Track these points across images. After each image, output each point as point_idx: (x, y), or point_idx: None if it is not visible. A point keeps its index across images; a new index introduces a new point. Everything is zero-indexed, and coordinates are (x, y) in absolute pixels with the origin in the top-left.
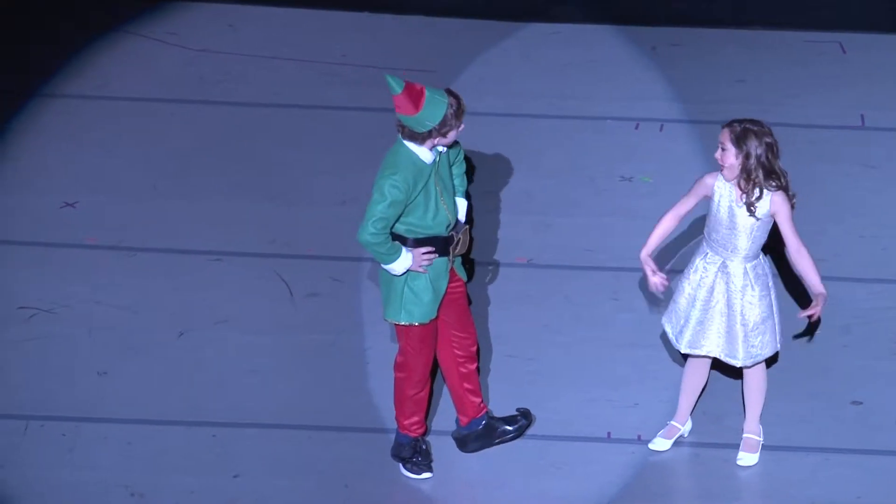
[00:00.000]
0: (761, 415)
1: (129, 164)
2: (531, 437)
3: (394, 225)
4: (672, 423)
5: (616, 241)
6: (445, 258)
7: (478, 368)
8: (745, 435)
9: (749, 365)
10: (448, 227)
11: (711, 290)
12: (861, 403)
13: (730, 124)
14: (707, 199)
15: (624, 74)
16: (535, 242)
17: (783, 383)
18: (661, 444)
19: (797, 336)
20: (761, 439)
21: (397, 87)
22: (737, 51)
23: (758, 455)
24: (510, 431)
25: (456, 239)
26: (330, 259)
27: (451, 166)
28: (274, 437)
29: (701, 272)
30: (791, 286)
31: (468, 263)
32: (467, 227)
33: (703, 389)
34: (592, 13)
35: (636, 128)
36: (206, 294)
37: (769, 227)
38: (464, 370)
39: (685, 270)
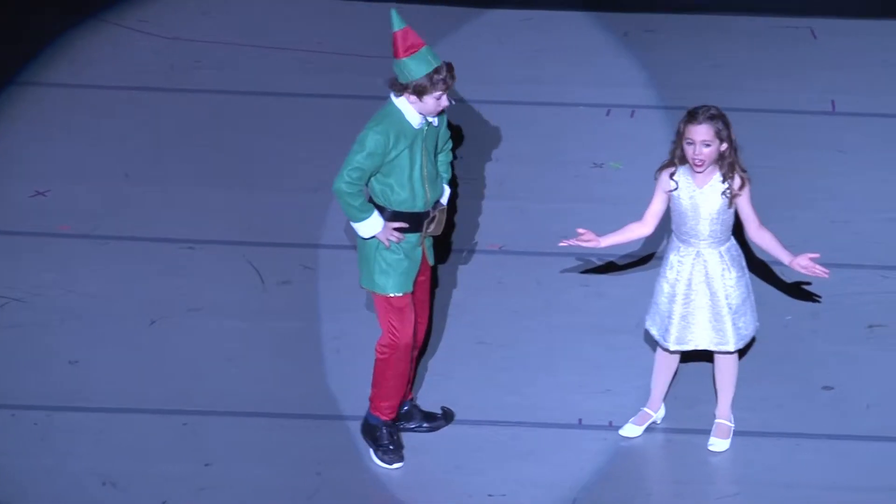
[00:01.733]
0: (733, 400)
1: (102, 152)
2: (503, 424)
3: (370, 181)
4: (645, 409)
5: (588, 228)
6: (418, 234)
7: (419, 357)
8: (716, 420)
9: (741, 347)
10: (425, 202)
11: (690, 283)
12: (832, 389)
13: (709, 118)
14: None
15: (596, 60)
16: (508, 228)
17: (754, 369)
18: (631, 430)
19: (773, 317)
20: (733, 425)
21: (398, 25)
22: (709, 36)
23: (729, 441)
24: (424, 428)
25: (431, 216)
26: (302, 247)
27: (438, 153)
28: (246, 424)
29: (676, 267)
30: (758, 268)
31: (440, 248)
32: (445, 207)
33: (675, 376)
34: None
35: (607, 114)
36: (179, 282)
37: (733, 207)
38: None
39: (661, 270)
